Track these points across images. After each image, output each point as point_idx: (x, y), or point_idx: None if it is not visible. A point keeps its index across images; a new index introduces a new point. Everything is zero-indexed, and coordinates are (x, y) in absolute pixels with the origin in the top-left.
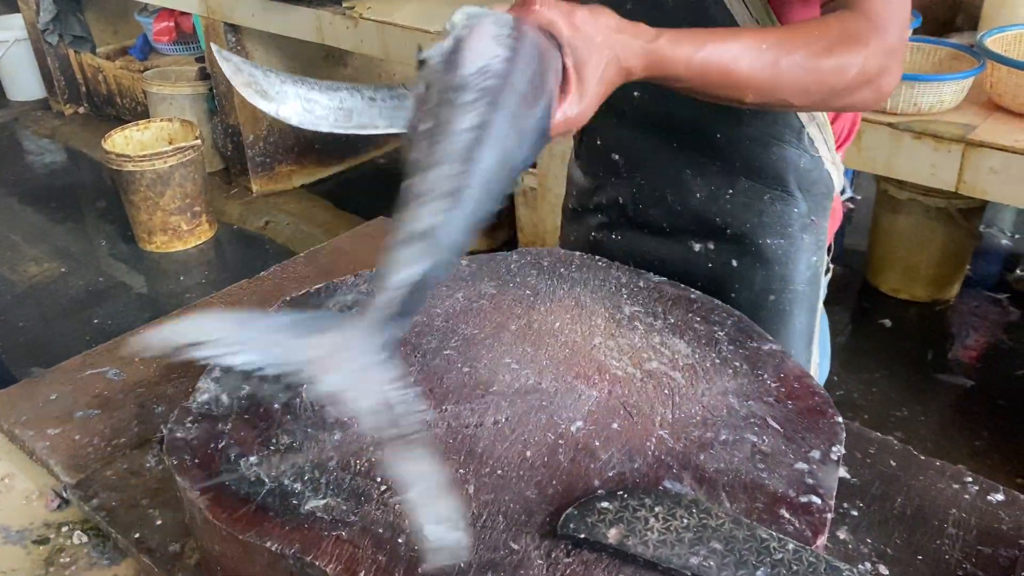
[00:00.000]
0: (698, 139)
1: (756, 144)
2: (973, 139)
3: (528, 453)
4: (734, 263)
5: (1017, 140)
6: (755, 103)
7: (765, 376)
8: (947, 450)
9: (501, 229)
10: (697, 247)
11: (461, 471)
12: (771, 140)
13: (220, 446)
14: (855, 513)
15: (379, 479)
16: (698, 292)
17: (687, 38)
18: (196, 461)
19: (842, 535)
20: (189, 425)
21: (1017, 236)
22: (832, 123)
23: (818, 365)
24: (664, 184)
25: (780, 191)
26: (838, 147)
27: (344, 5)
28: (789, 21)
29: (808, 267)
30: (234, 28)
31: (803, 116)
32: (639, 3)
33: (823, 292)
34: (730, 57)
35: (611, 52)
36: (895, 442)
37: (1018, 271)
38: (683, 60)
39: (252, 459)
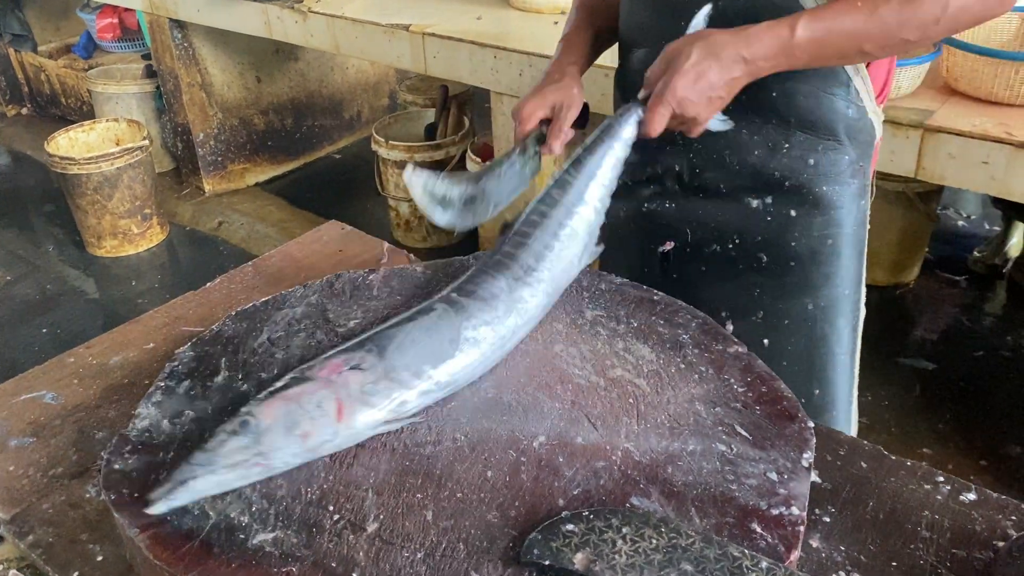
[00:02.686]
0: (754, 98)
1: (810, 98)
2: (931, 124)
3: (489, 473)
4: (793, 213)
5: (974, 125)
6: (875, 52)
7: (732, 380)
8: (911, 434)
9: None
10: (755, 203)
11: (419, 495)
12: (822, 94)
13: (161, 477)
14: (827, 519)
15: (331, 508)
16: (661, 294)
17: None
18: (135, 495)
19: (815, 543)
20: (127, 455)
21: (973, 218)
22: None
23: (863, 306)
24: (722, 146)
25: (832, 140)
26: (878, 97)
27: None
28: None
29: (859, 210)
30: (179, 24)
31: (849, 69)
32: None
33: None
34: (831, 24)
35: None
36: (865, 443)
37: (975, 252)
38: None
39: None
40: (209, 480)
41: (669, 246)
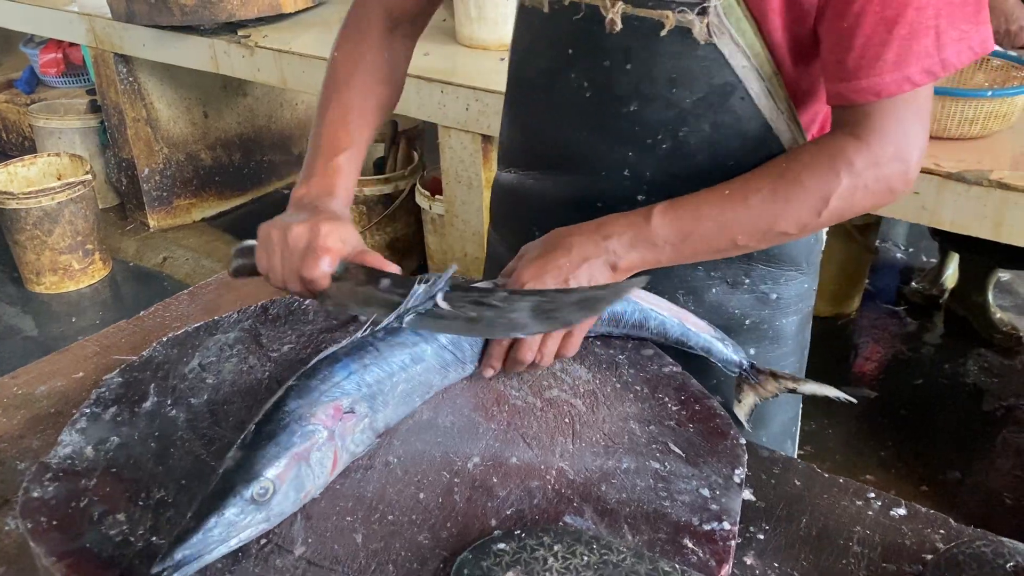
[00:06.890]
0: None
1: None
2: None
3: (421, 495)
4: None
5: None
6: (752, 245)
7: (666, 399)
8: (854, 462)
9: (411, 256)
10: None
11: (349, 519)
12: None
13: (82, 505)
14: (761, 537)
15: None
16: None
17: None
18: (54, 523)
19: (749, 560)
20: (47, 483)
21: (911, 250)
22: None
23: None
24: (676, 284)
25: (794, 271)
26: None
27: (239, 34)
28: (808, 110)
29: (800, 344)
30: (125, 59)
31: None
32: (646, 104)
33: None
34: (692, 212)
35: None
36: (799, 462)
37: (913, 284)
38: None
39: (119, 517)
40: (221, 551)
41: None
